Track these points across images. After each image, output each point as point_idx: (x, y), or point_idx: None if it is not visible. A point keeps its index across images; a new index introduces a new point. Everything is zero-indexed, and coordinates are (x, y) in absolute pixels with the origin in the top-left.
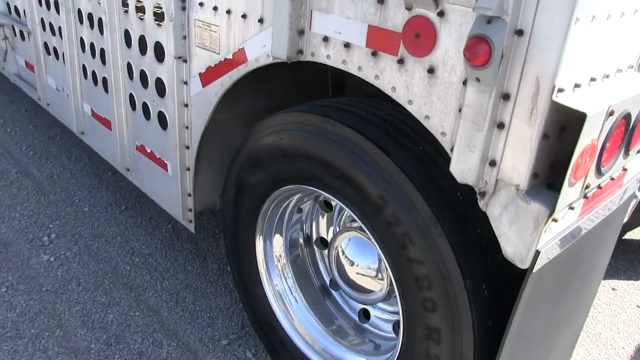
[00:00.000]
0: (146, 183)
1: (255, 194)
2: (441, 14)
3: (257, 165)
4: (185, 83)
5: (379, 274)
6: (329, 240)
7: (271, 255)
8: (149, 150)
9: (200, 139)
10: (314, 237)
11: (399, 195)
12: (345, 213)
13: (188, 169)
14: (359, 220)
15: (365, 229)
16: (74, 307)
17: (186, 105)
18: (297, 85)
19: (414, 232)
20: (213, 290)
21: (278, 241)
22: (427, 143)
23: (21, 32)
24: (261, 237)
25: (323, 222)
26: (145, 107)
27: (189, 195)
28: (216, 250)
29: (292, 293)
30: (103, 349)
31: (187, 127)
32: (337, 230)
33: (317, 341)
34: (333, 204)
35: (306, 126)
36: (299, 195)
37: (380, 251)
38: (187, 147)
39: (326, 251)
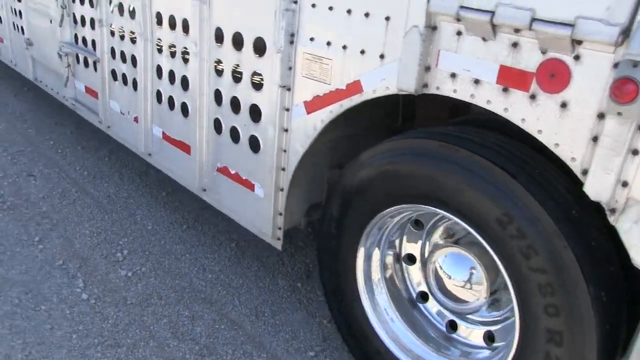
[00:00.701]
0: (226, 203)
1: (364, 212)
2: (577, 57)
3: (370, 187)
4: (287, 110)
5: (476, 285)
6: (418, 256)
7: (369, 271)
8: (233, 172)
9: (298, 162)
10: (403, 253)
11: (525, 213)
12: (438, 230)
13: (282, 190)
14: (479, 236)
15: (485, 243)
16: (161, 319)
17: (286, 130)
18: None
19: (539, 245)
20: (288, 305)
21: (376, 256)
22: (544, 166)
23: (85, 60)
24: (362, 253)
25: (409, 238)
26: (234, 131)
27: (280, 214)
28: (282, 268)
29: (387, 306)
30: (198, 359)
31: (284, 151)
32: (429, 246)
33: (412, 350)
34: (424, 222)
35: (428, 151)
36: (405, 214)
37: (499, 262)
38: (283, 169)
39: (413, 266)
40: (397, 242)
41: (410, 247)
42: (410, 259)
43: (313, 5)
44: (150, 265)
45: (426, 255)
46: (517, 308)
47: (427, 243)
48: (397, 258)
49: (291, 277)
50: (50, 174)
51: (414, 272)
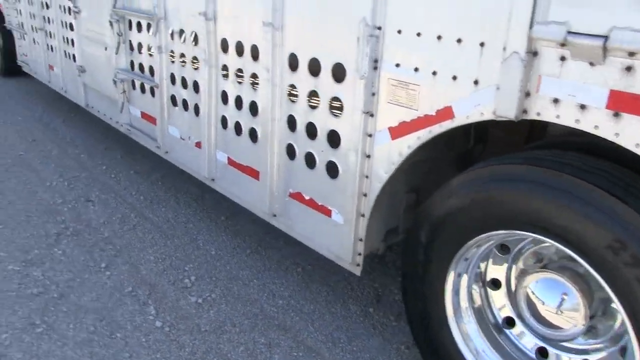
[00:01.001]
0: (298, 228)
1: (454, 239)
2: None
3: (461, 214)
4: (370, 135)
5: (571, 312)
6: (503, 280)
7: (458, 296)
8: (307, 197)
9: (381, 188)
10: (487, 277)
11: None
12: (525, 255)
13: (362, 215)
14: (586, 263)
15: (593, 270)
16: (238, 347)
17: (368, 156)
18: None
19: None
20: (363, 330)
21: (464, 282)
22: None
23: (141, 86)
24: (451, 279)
25: (494, 262)
26: (309, 157)
27: (360, 240)
28: (352, 292)
29: (475, 331)
30: None
31: (366, 177)
32: (516, 271)
33: None
34: (510, 246)
35: (527, 177)
36: (495, 239)
37: (610, 291)
38: (365, 195)
39: (498, 290)
40: (482, 266)
41: (495, 272)
42: (495, 283)
43: (399, 32)
44: (220, 292)
45: (512, 279)
46: (636, 339)
47: (514, 267)
48: (483, 283)
49: (362, 302)
50: (107, 199)
51: (499, 297)
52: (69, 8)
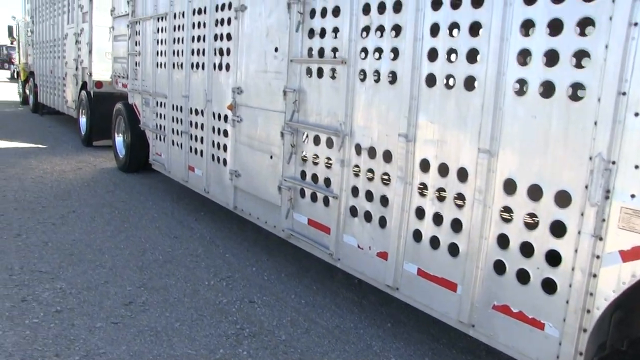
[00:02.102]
0: (503, 339)
1: None
2: None
3: None
4: (597, 257)
5: None
6: None
7: None
8: (515, 310)
9: (607, 306)
10: None
11: None
12: None
13: (584, 330)
14: None
15: None
16: None
17: (594, 275)
18: None
19: None
20: None
21: None
22: None
23: (312, 194)
24: None
25: None
26: (522, 273)
27: (580, 354)
28: None
29: None
30: None
31: (590, 294)
32: None
33: None
34: None
35: None
36: None
37: None
38: (588, 311)
39: None
40: None
41: None
42: None
43: (636, 167)
44: None
45: None
46: None
47: None
48: None
49: None
50: (269, 301)
51: None
52: (225, 116)
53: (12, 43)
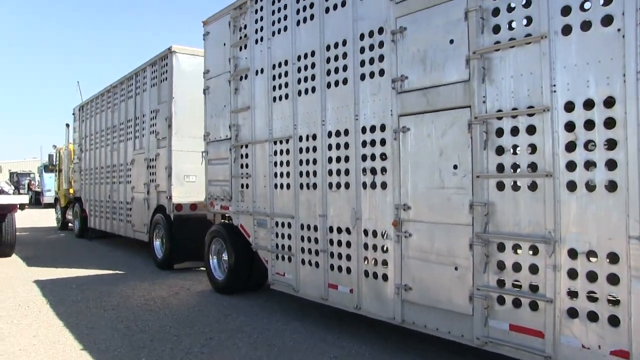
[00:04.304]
0: None
1: None
2: None
3: None
4: None
5: None
6: None
7: None
8: None
9: None
10: None
11: None
12: None
13: None
14: None
15: None
16: None
17: None
18: None
19: None
20: None
21: None
22: None
23: (515, 300)
24: None
25: None
26: None
27: None
28: None
29: None
30: None
31: None
32: None
33: None
34: None
35: None
36: None
37: None
38: None
39: None
40: None
41: None
42: None
43: None
44: None
45: None
46: None
47: None
48: None
49: None
50: None
51: None
52: (383, 232)
53: (52, 171)
